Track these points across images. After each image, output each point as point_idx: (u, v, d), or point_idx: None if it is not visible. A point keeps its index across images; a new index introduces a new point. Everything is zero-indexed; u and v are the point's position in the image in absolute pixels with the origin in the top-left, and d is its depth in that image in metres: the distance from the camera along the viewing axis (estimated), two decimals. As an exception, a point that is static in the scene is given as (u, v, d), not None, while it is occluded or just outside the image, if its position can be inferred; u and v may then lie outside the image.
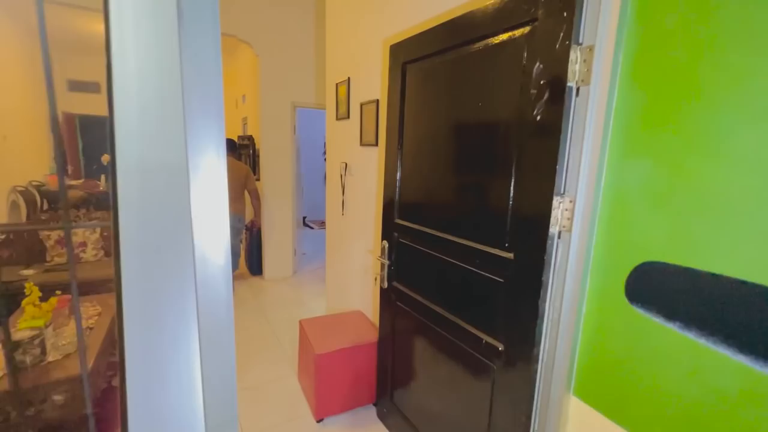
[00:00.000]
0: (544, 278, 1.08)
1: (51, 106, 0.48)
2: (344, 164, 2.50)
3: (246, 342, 2.89)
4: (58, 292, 2.13)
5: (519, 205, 1.15)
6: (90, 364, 1.87)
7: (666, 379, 0.88)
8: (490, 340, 1.27)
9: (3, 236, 3.03)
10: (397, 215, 1.75)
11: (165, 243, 0.42)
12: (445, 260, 1.47)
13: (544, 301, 1.10)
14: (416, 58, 1.55)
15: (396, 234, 1.76)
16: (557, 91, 1.01)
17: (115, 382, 2.34)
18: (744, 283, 0.74)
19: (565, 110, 1.00)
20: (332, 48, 2.61)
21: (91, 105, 7.20)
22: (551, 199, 1.05)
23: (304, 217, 7.02)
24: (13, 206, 4.91)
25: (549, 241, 1.06)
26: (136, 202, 0.40)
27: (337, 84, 2.52)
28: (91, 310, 2.38)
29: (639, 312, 0.90)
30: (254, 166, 4.75)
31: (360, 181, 2.36)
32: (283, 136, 4.14)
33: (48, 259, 3.05)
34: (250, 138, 4.95)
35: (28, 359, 1.79)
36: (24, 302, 1.95)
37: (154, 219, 0.41)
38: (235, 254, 4.12)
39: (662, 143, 0.87)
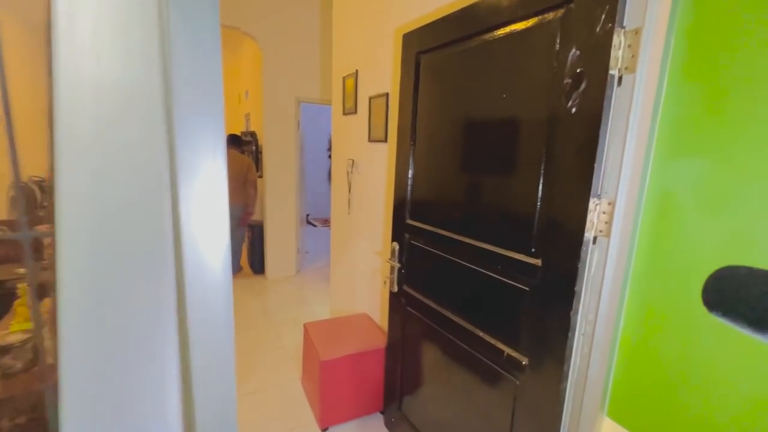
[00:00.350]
0: (576, 288, 0.98)
1: (2, 92, 0.39)
2: (351, 161, 2.40)
3: (247, 344, 2.80)
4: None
5: (548, 207, 1.05)
6: (85, 368, 1.79)
7: (729, 404, 0.78)
8: (512, 352, 1.17)
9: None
10: (409, 216, 1.65)
11: (131, 257, 0.33)
12: (461, 265, 1.37)
13: (576, 313, 1.00)
14: (432, 48, 1.45)
15: (407, 235, 1.66)
16: (596, 80, 0.91)
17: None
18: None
19: (605, 101, 0.89)
20: (339, 39, 2.50)
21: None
22: (587, 201, 0.94)
23: (308, 215, 6.93)
24: (14, 202, 4.84)
25: (583, 247, 0.96)
26: (88, 206, 0.30)
27: (344, 77, 2.42)
28: (87, 310, 2.29)
29: (720, 320, 0.78)
30: (257, 162, 4.66)
31: (367, 179, 2.26)
32: (286, 131, 4.04)
33: (45, 257, 2.97)
34: (253, 134, 4.85)
35: (19, 364, 1.71)
36: (16, 303, 1.87)
37: (115, 226, 0.31)
38: (237, 242, 4.11)
39: (724, 140, 0.76)
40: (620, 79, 0.89)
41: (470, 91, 1.30)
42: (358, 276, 2.46)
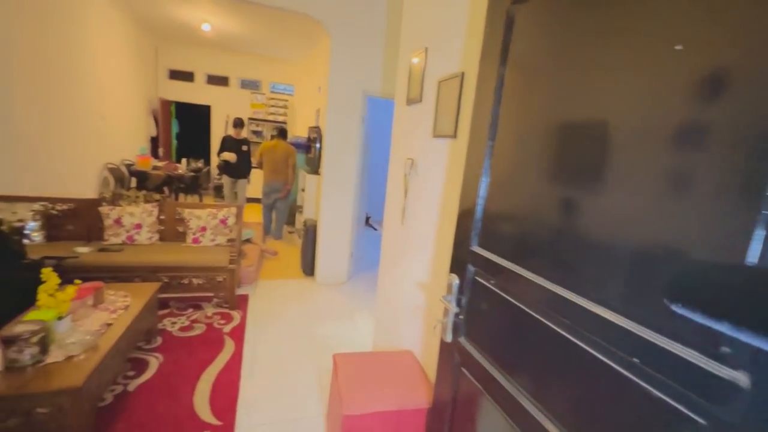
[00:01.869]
0: None
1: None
2: (410, 161, 1.96)
3: (275, 360, 2.50)
4: (78, 281, 1.93)
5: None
6: (90, 369, 1.59)
7: None
8: None
9: (68, 209, 3.07)
10: (476, 240, 1.15)
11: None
12: (555, 332, 0.84)
13: None
14: (535, -10, 0.95)
15: (472, 268, 1.17)
16: None
17: (131, 387, 2.10)
18: None
19: None
20: (410, 8, 2.08)
21: (186, 93, 7.70)
22: None
23: (368, 217, 6.63)
24: (105, 182, 5.28)
25: None
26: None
27: (411, 59, 1.99)
28: (119, 301, 2.17)
29: None
30: (318, 159, 4.47)
31: (428, 184, 1.80)
32: (350, 126, 3.74)
33: (105, 238, 3.03)
34: (318, 130, 4.67)
35: (24, 358, 1.56)
36: (40, 289, 1.75)
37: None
38: (281, 212, 5.30)
39: None
40: None
41: (598, 51, 0.78)
42: (406, 304, 2.01)
